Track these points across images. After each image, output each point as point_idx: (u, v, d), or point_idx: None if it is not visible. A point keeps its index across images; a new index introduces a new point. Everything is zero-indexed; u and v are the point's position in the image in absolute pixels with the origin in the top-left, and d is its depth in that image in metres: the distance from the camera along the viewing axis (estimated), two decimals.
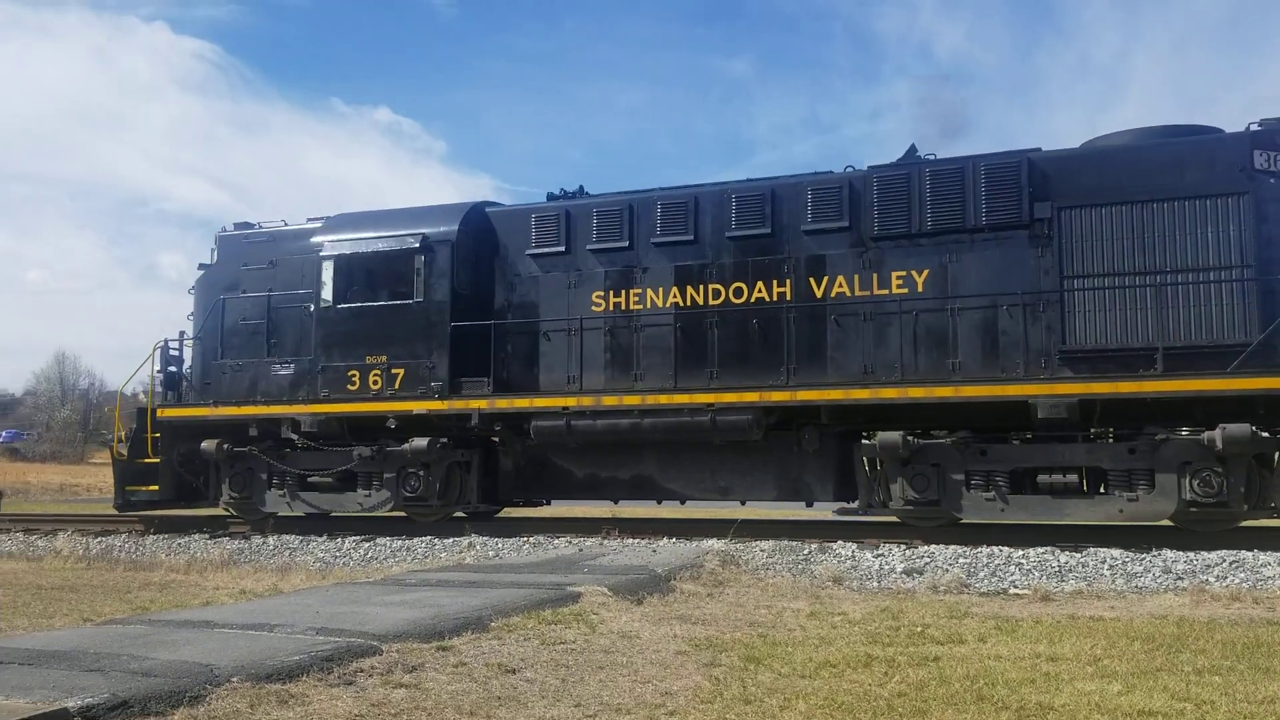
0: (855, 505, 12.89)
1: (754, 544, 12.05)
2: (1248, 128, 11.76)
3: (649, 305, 13.72)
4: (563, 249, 14.28)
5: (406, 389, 14.35)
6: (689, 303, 13.51)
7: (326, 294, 14.95)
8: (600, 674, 5.87)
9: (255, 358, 15.45)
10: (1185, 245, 11.60)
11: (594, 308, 13.99)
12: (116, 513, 16.02)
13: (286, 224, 16.18)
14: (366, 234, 15.05)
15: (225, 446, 15.20)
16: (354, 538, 13.99)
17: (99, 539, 15.08)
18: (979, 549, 11.38)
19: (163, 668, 5.45)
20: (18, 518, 18.12)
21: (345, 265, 14.92)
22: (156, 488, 15.46)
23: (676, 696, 5.40)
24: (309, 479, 14.91)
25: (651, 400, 13.22)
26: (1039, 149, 12.56)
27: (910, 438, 12.15)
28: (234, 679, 5.24)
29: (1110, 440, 11.83)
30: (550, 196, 15.11)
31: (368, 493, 14.66)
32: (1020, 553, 11.10)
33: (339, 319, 14.86)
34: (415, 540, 13.63)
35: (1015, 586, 10.23)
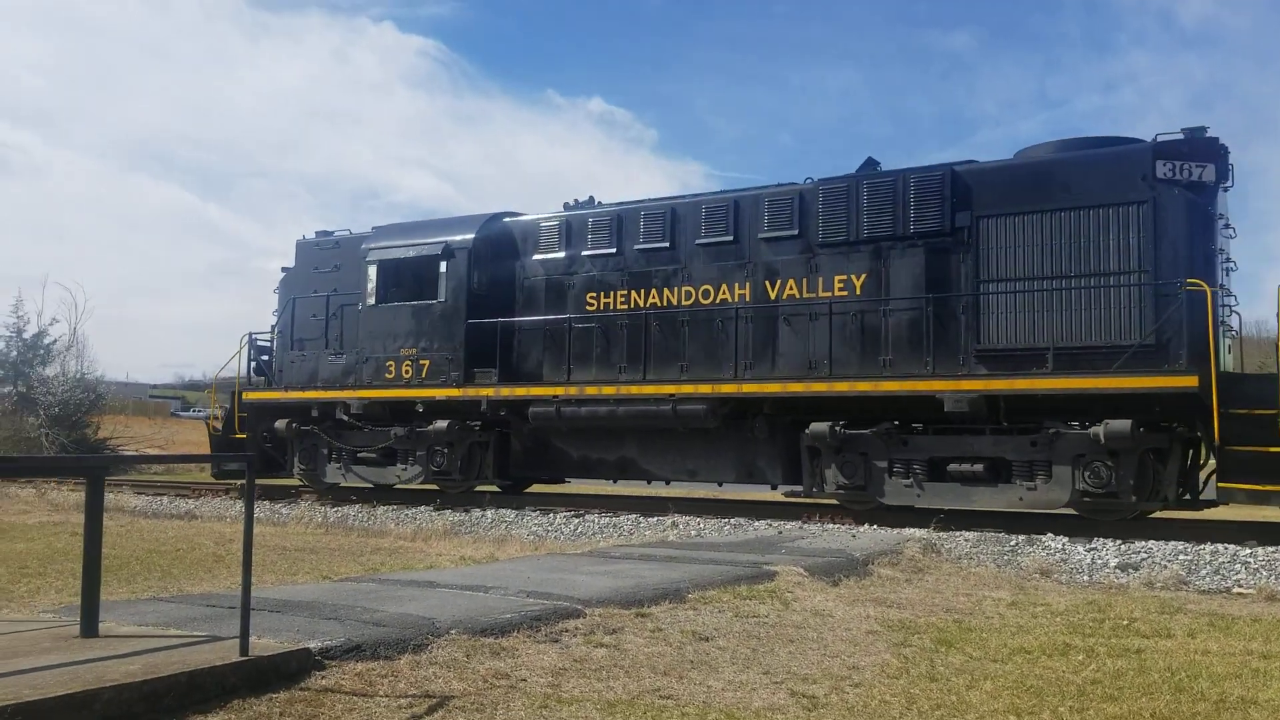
0: (801, 489, 13.96)
1: (958, 533, 11.90)
2: (1154, 138, 12.29)
3: (633, 305, 15.27)
4: (562, 255, 16.03)
5: (431, 378, 16.43)
6: (665, 303, 15.03)
7: (370, 294, 17.21)
8: (790, 646, 6.06)
9: (317, 349, 18.03)
10: (1089, 251, 12.32)
11: (587, 307, 15.65)
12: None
13: (351, 232, 18.45)
14: (403, 241, 17.23)
15: (294, 425, 17.82)
16: (565, 513, 14.67)
17: (335, 509, 16.37)
18: (1201, 545, 10.85)
19: (391, 619, 6.01)
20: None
21: (385, 269, 17.09)
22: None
23: (863, 671, 5.54)
24: (359, 454, 17.26)
25: (625, 391, 14.85)
26: (972, 161, 13.47)
27: (838, 428, 13.22)
28: (453, 631, 5.74)
29: (1014, 434, 12.52)
30: (566, 206, 16.62)
31: (404, 467, 16.85)
32: (1247, 551, 10.52)
33: (380, 316, 17.10)
34: (622, 518, 14.17)
35: (1239, 585, 9.72)
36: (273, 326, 18.91)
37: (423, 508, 16.04)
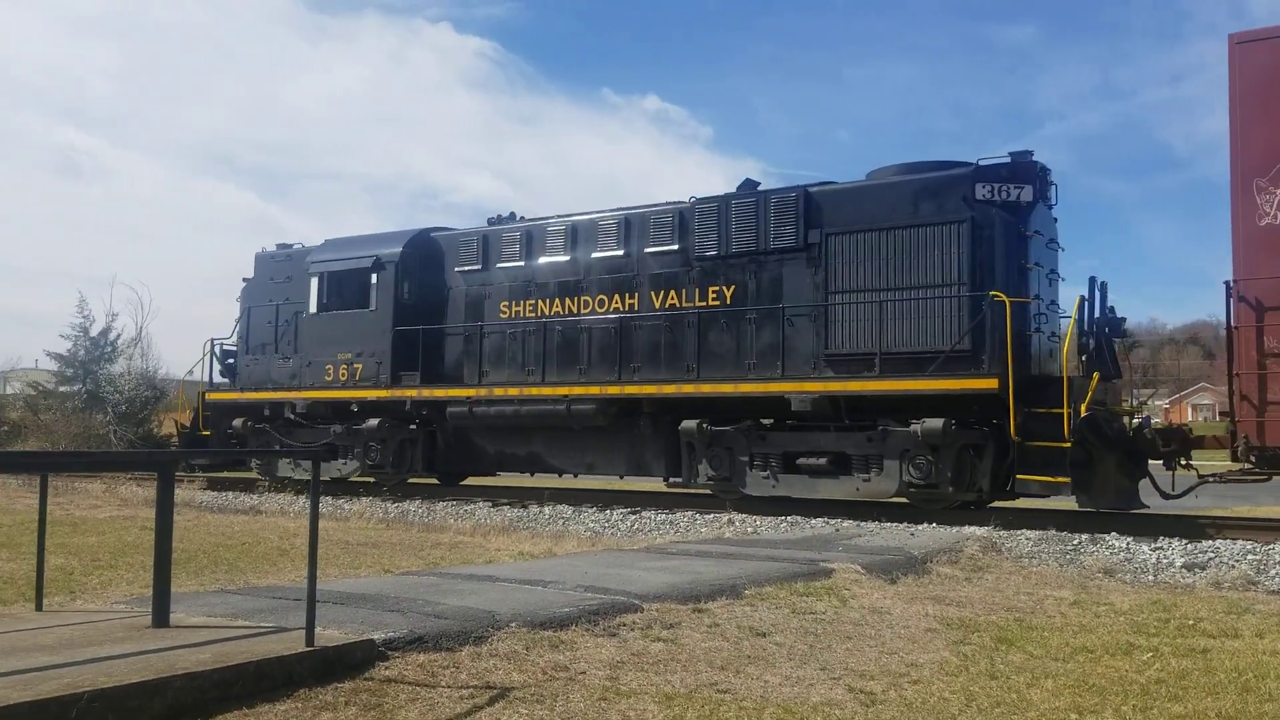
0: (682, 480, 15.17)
1: (1019, 532, 11.77)
2: (977, 162, 13.43)
3: (540, 314, 16.67)
4: (479, 267, 17.50)
5: (364, 380, 18.16)
6: (567, 312, 16.40)
7: (312, 303, 18.92)
8: (848, 643, 6.05)
9: (269, 354, 19.72)
10: (918, 266, 13.43)
11: (500, 315, 17.10)
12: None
13: (304, 245, 20.05)
14: (341, 254, 18.88)
15: (249, 423, 19.71)
16: (621, 510, 14.75)
17: (396, 505, 16.60)
18: (1271, 545, 10.62)
19: (452, 612, 6.11)
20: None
21: (325, 280, 18.80)
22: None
23: (922, 668, 5.52)
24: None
25: (527, 392, 16.35)
26: (826, 183, 14.68)
27: (705, 425, 14.55)
28: (512, 624, 5.82)
29: (853, 430, 13.65)
30: (489, 221, 18.20)
31: (344, 461, 18.46)
32: None
33: (321, 323, 18.84)
34: (678, 514, 14.22)
35: None
36: (233, 332, 20.86)
37: (481, 503, 16.22)
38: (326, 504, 16.60)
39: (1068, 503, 15.89)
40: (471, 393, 16.85)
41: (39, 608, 6.15)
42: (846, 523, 12.99)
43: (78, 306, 33.94)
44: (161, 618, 5.53)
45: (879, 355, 13.39)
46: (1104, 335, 13.70)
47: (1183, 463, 12.65)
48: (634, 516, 14.32)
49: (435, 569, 8.79)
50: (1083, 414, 12.17)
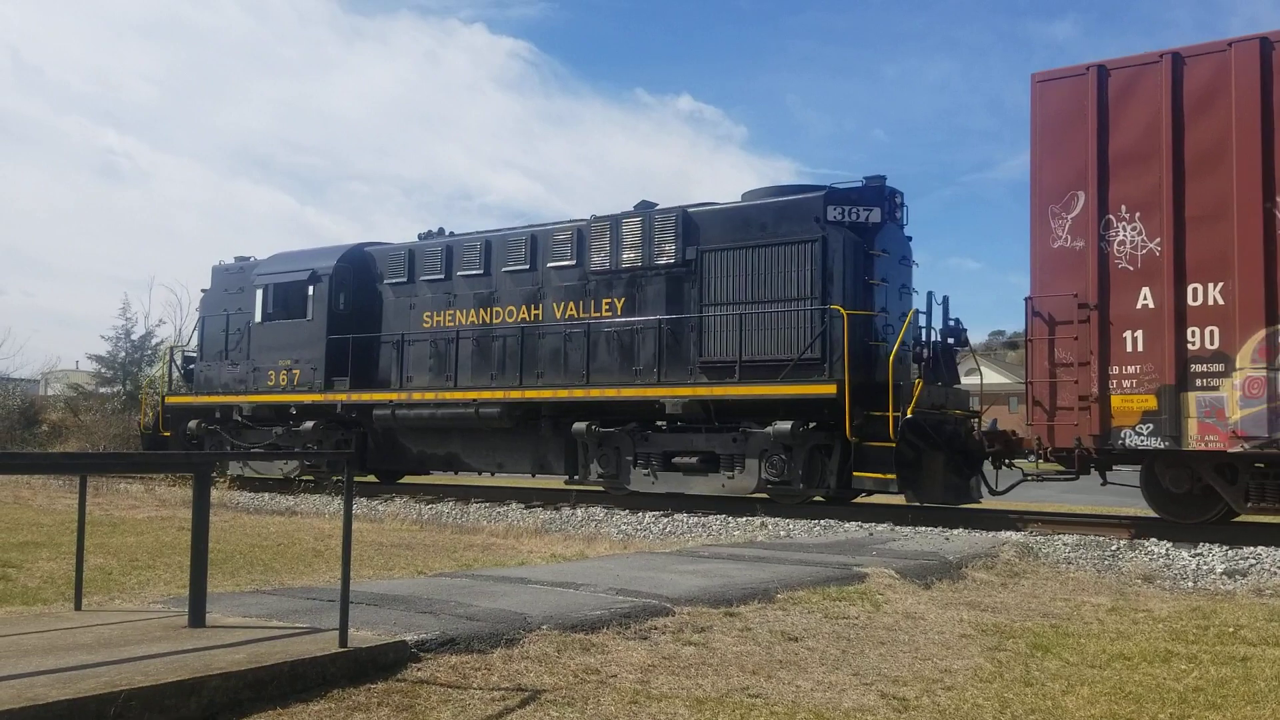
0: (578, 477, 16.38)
1: (1056, 537, 11.65)
2: (830, 186, 14.81)
3: (459, 323, 18.04)
4: (405, 280, 18.91)
5: (301, 385, 19.52)
6: (481, 322, 17.77)
7: (257, 313, 20.33)
8: (881, 648, 6.02)
9: (221, 360, 21.11)
10: (777, 281, 14.65)
11: (423, 324, 18.52)
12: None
13: (255, 259, 21.31)
14: (284, 268, 20.24)
15: (203, 425, 21.09)
16: (653, 513, 14.74)
17: (430, 506, 16.69)
18: None
19: (484, 614, 6.13)
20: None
21: (269, 292, 20.21)
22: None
23: (956, 674, 5.47)
24: (251, 450, 19.57)
25: (441, 396, 17.63)
26: (704, 203, 15.88)
27: (594, 427, 15.77)
28: (544, 626, 5.83)
29: (721, 432, 14.78)
30: (420, 236, 19.62)
31: (284, 462, 19.57)
32: None
33: (265, 332, 20.20)
34: (710, 518, 14.19)
35: None
36: (189, 339, 22.44)
37: (514, 504, 16.27)
38: (360, 505, 16.72)
39: (1106, 507, 15.82)
40: (394, 396, 18.25)
41: (78, 607, 6.24)
42: (880, 527, 12.91)
43: (120, 309, 34.45)
44: (198, 618, 5.59)
45: (739, 363, 14.65)
46: (945, 346, 15.32)
47: (1007, 462, 13.56)
48: (666, 519, 14.32)
49: (468, 570, 8.82)
50: (908, 417, 13.39)
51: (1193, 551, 10.82)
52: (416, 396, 17.94)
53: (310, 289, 19.58)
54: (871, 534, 12.25)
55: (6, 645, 4.93)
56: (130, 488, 19.35)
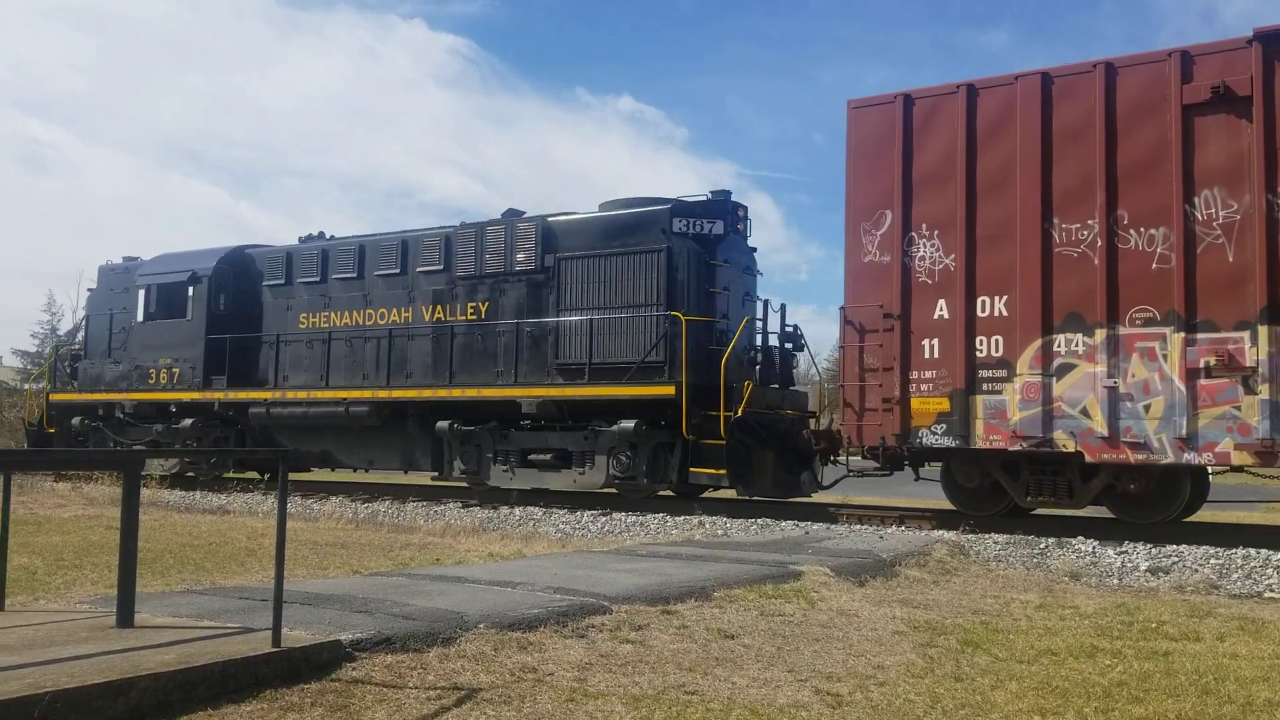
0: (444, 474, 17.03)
1: (987, 536, 11.86)
2: (676, 199, 15.61)
3: (333, 325, 18.71)
4: (283, 282, 19.49)
5: (180, 384, 20.14)
6: (354, 323, 18.45)
7: (140, 313, 20.89)
8: (815, 645, 6.09)
9: (102, 358, 21.64)
10: (625, 288, 15.46)
11: (300, 325, 19.16)
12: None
13: (141, 259, 21.80)
14: (166, 269, 20.81)
15: (86, 421, 21.50)
16: (591, 512, 14.74)
17: (365, 504, 16.52)
18: (1233, 550, 10.74)
19: (420, 613, 6.09)
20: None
21: (151, 292, 20.79)
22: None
23: (888, 670, 5.56)
24: (132, 447, 19.80)
25: (313, 395, 18.31)
26: (563, 213, 16.65)
27: (456, 425, 16.55)
28: (480, 625, 5.81)
29: (574, 430, 15.59)
30: (300, 239, 20.12)
31: (162, 461, 20.53)
32: (1279, 555, 10.42)
33: (147, 331, 20.77)
34: (649, 516, 14.22)
35: (1271, 590, 9.63)
36: (74, 337, 22.68)
37: (452, 504, 16.17)
38: (295, 504, 16.50)
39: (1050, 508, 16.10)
40: (268, 395, 18.86)
41: (0, 607, 6.08)
42: (816, 525, 13.05)
43: (46, 304, 33.79)
44: (126, 618, 5.48)
45: (589, 365, 15.48)
46: (783, 351, 16.40)
47: (833, 459, 14.32)
48: (604, 518, 14.32)
49: (404, 570, 8.76)
50: (738, 416, 14.26)
51: (1118, 550, 11.08)
52: (290, 395, 18.62)
53: (190, 290, 20.19)
54: (808, 533, 12.37)
55: None
56: (57, 486, 18.91)
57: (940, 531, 12.11)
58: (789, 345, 16.45)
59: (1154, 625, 7.31)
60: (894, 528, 12.59)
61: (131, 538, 5.56)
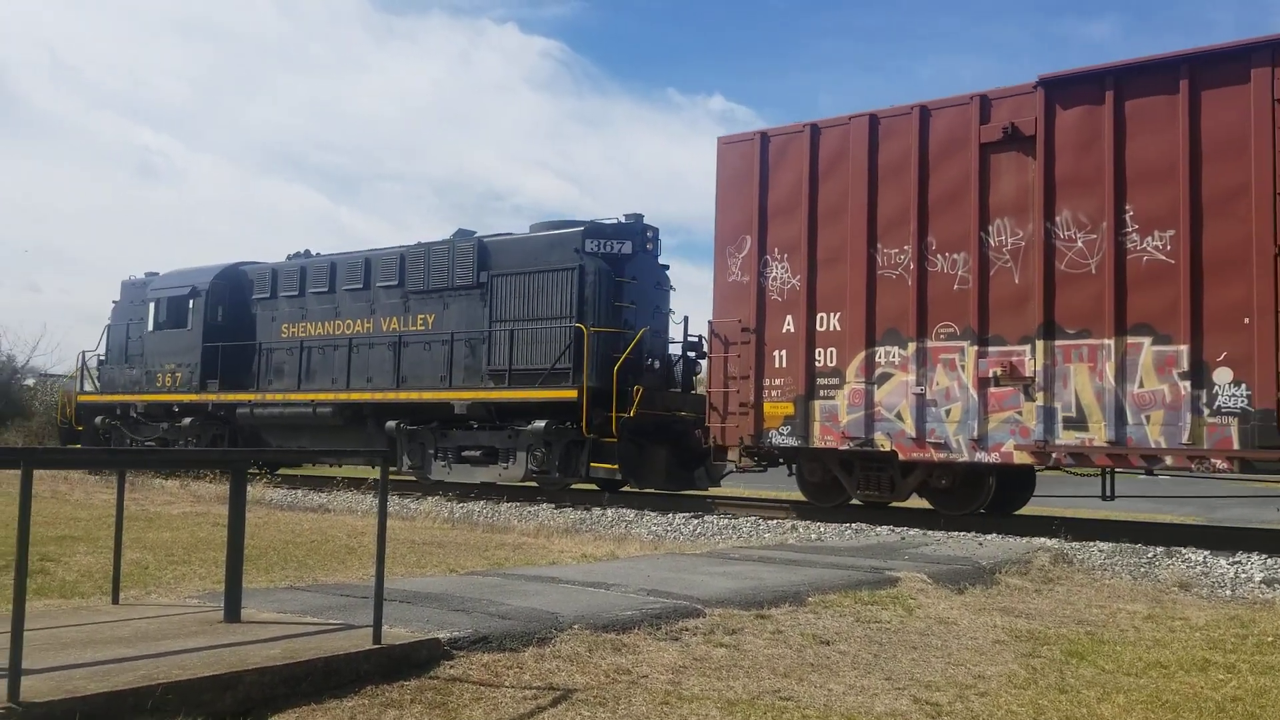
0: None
1: (1091, 544, 11.53)
2: (591, 221, 17.49)
3: (309, 335, 20.98)
4: (269, 295, 21.85)
5: (182, 387, 22.46)
6: (326, 333, 20.70)
7: (149, 323, 23.34)
8: (913, 653, 5.98)
9: (120, 364, 24.25)
10: (544, 302, 17.27)
11: (282, 334, 21.44)
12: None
13: (160, 274, 24.14)
14: (172, 284, 23.28)
15: (106, 420, 24.06)
16: (684, 514, 14.74)
17: (461, 504, 16.76)
18: None
19: (515, 612, 6.15)
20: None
21: (160, 305, 23.22)
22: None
23: (989, 680, 5.43)
24: (145, 443, 22.94)
25: (289, 397, 20.50)
26: (498, 234, 18.89)
27: (403, 425, 18.57)
28: (575, 626, 5.84)
29: (500, 430, 17.36)
30: (288, 256, 22.28)
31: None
32: None
33: (156, 339, 23.22)
34: (742, 520, 14.16)
35: None
36: (98, 344, 25.41)
37: (545, 504, 16.32)
38: (393, 503, 16.81)
39: (1141, 514, 15.66)
40: (251, 397, 21.10)
41: (115, 601, 6.32)
42: (912, 531, 12.83)
43: None
44: (233, 613, 5.65)
45: (509, 371, 17.31)
46: (686, 359, 17.88)
47: (724, 458, 15.32)
48: (696, 521, 14.30)
49: (499, 569, 8.86)
50: (630, 416, 15.80)
51: (1231, 560, 10.67)
52: (269, 397, 20.83)
53: (190, 302, 22.57)
54: (903, 538, 12.17)
55: (45, 638, 5.00)
56: (166, 483, 19.59)
57: (1042, 539, 11.80)
58: (692, 354, 17.79)
59: (1270, 639, 7.01)
60: (993, 535, 12.32)
61: (239, 535, 5.73)
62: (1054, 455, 12.20)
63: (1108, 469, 12.40)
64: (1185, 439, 11.38)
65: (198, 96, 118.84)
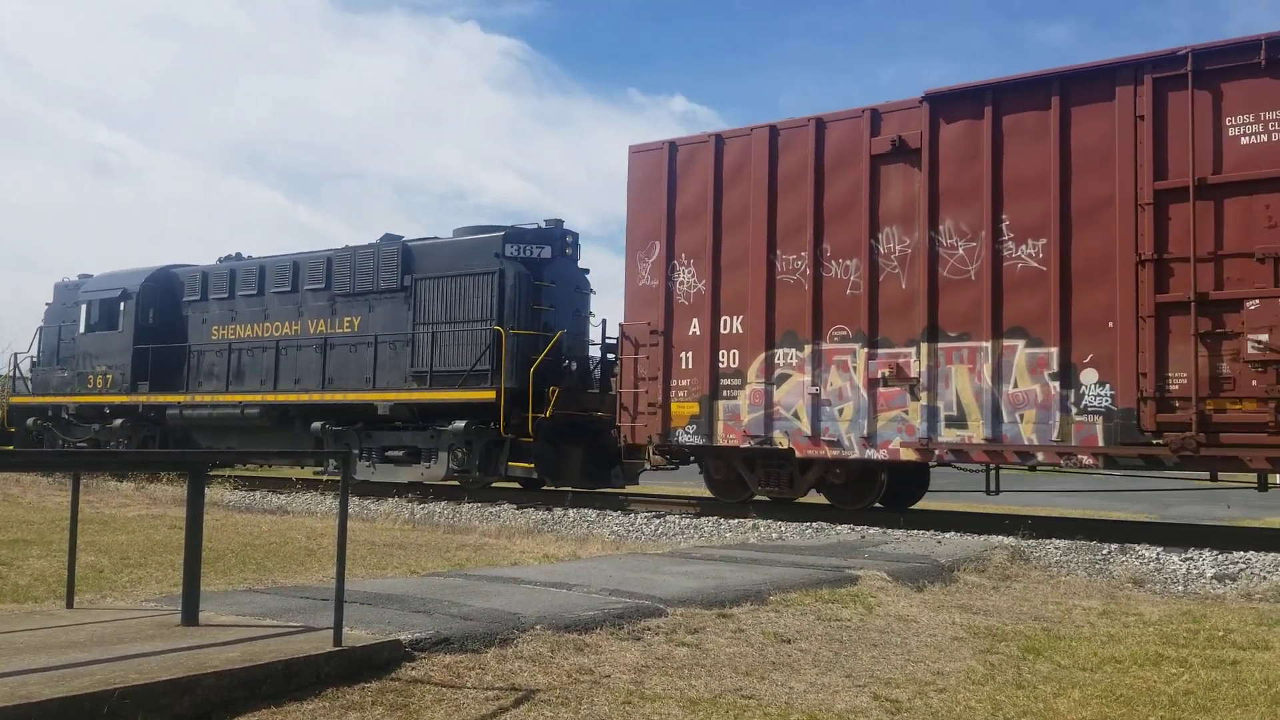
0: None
1: (1048, 541, 11.68)
2: (511, 226, 17.84)
3: (239, 337, 21.09)
4: (200, 298, 21.96)
5: (113, 388, 22.42)
6: (254, 336, 20.82)
7: (81, 325, 23.34)
8: (873, 651, 6.04)
9: (51, 365, 24.32)
10: (466, 305, 17.55)
11: (212, 336, 21.61)
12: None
13: (92, 276, 24.22)
14: (104, 286, 23.28)
15: (39, 422, 24.10)
16: (645, 514, 14.76)
17: (422, 505, 16.66)
18: None
19: (477, 613, 6.14)
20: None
21: (91, 307, 23.21)
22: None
23: (948, 677, 5.49)
24: (76, 445, 23.01)
25: (217, 398, 20.76)
26: (422, 238, 19.14)
27: (327, 425, 18.86)
28: (537, 626, 5.84)
29: (423, 429, 17.72)
30: (220, 259, 22.44)
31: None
32: None
33: (87, 341, 23.23)
34: (703, 520, 14.19)
35: None
36: (30, 346, 25.51)
37: (507, 505, 16.27)
38: (353, 505, 16.68)
39: (1095, 511, 15.91)
40: (180, 398, 21.27)
41: (70, 605, 6.22)
42: (872, 530, 12.93)
43: None
44: (191, 616, 5.59)
45: (431, 372, 17.65)
46: (605, 361, 17.87)
47: (641, 457, 16.10)
48: (658, 521, 14.32)
49: (461, 570, 8.83)
50: (545, 417, 16.20)
51: (1183, 556, 10.86)
52: (198, 399, 21.07)
53: (122, 304, 22.59)
54: (864, 537, 12.27)
55: None
56: (121, 485, 19.32)
57: (1000, 537, 11.95)
58: (610, 355, 17.77)
59: (1221, 633, 7.15)
60: (952, 534, 12.45)
61: (196, 537, 5.67)
62: (936, 452, 12.73)
63: (989, 465, 13.03)
64: (1055, 436, 11.96)
65: (158, 94, 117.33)
